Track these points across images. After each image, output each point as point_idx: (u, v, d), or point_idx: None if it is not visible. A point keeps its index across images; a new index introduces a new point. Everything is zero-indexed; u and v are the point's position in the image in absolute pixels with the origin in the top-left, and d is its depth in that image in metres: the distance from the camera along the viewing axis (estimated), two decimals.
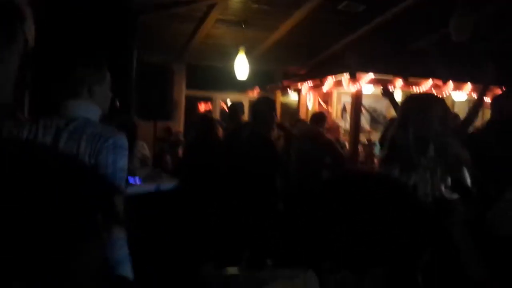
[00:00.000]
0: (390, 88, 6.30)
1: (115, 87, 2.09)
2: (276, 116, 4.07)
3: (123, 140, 1.78)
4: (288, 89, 8.33)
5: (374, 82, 6.66)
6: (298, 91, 8.21)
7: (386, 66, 6.52)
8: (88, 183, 0.50)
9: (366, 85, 6.75)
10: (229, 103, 8.57)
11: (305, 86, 7.75)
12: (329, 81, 7.03)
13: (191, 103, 8.69)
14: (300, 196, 4.31)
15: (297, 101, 8.70)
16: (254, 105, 4.10)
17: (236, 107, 5.56)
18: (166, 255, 3.27)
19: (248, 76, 6.91)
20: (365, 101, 7.50)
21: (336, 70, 6.78)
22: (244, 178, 3.72)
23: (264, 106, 3.90)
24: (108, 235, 1.55)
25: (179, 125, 8.35)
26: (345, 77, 6.56)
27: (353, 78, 6.42)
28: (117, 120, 4.34)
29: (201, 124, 4.84)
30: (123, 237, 1.68)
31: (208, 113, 8.19)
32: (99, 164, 1.71)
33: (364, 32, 6.75)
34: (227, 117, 5.77)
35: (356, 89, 6.61)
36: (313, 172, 5.10)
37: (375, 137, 7.24)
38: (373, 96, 7.92)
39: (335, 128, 6.72)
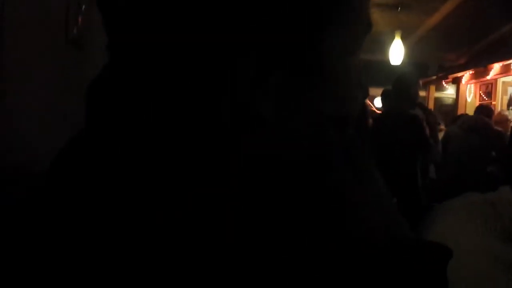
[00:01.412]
0: None
1: None
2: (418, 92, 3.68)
3: None
4: (444, 82, 7.80)
5: None
6: (457, 83, 7.62)
7: None
8: None
9: None
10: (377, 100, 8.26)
11: (466, 76, 7.17)
12: (495, 68, 6.42)
13: None
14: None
15: (454, 96, 8.09)
16: (395, 80, 3.68)
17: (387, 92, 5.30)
18: None
19: (399, 69, 6.58)
20: None
21: (504, 55, 6.15)
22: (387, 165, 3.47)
23: (406, 80, 3.55)
24: None
25: None
26: None
27: None
28: None
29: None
30: None
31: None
32: None
33: None
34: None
35: None
36: (479, 168, 4.64)
37: None
38: None
39: (504, 120, 6.08)
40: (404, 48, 6.33)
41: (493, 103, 7.45)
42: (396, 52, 6.13)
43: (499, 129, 5.07)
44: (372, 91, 8.80)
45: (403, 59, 6.32)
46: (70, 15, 1.40)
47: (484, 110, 5.35)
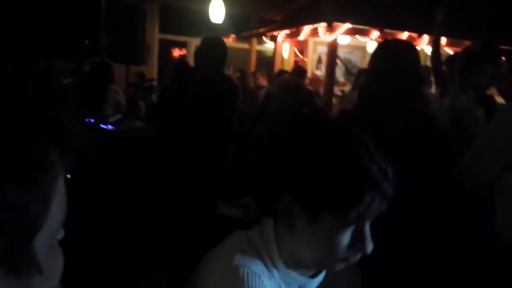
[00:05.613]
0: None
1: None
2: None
3: None
4: (264, 37, 8.21)
5: (350, 32, 6.61)
6: (275, 39, 8.09)
7: (362, 17, 6.42)
8: None
9: (342, 35, 6.70)
10: None
11: (282, 34, 7.64)
12: (306, 30, 6.95)
13: (165, 48, 8.48)
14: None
15: (273, 50, 8.59)
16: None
17: None
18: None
19: (224, 22, 6.71)
20: (340, 52, 7.48)
21: (313, 18, 6.67)
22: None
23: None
24: None
25: (152, 70, 8.18)
26: (321, 26, 6.49)
27: (330, 27, 6.35)
28: (89, 61, 4.11)
29: (177, 70, 4.69)
30: None
31: (183, 58, 8.00)
32: None
33: None
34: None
35: (332, 39, 6.56)
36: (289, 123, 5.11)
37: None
38: (348, 46, 7.88)
39: (316, 80, 6.72)
40: (227, 2, 6.42)
41: (305, 59, 8.14)
42: (216, 10, 6.23)
43: (310, 88, 5.63)
44: (196, 41, 8.84)
45: (225, 12, 6.42)
46: None
47: (298, 71, 5.86)
